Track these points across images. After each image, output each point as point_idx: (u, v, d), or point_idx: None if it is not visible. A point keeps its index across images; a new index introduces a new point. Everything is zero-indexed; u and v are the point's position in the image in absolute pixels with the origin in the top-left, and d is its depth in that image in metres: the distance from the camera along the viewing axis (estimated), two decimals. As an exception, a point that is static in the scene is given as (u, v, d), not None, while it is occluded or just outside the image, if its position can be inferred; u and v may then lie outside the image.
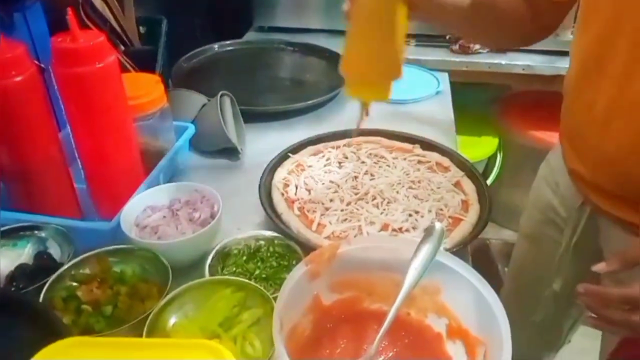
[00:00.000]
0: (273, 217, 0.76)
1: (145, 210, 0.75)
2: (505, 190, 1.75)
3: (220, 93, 0.99)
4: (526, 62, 1.46)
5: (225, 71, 1.31)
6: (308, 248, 0.67)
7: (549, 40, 0.78)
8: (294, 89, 1.25)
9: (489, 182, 1.65)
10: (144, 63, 1.08)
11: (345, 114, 1.16)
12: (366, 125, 0.79)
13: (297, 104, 1.12)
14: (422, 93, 1.22)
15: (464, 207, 0.79)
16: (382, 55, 0.64)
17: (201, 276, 0.65)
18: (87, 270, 0.64)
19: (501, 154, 1.74)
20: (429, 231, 0.54)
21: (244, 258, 0.70)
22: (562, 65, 1.43)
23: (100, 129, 0.71)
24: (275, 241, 0.73)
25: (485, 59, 1.48)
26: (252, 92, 1.20)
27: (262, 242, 0.73)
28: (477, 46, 1.49)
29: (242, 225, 0.80)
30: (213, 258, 0.69)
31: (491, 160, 1.73)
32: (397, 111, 1.17)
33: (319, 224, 0.76)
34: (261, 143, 1.03)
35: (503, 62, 1.47)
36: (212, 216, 0.73)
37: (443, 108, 1.20)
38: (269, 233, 0.74)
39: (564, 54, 1.43)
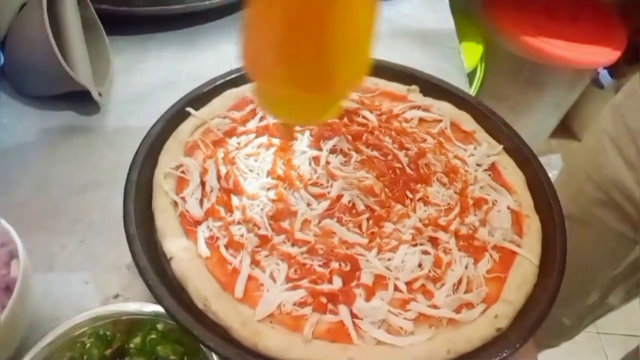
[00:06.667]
0: (148, 270, 0.35)
1: None
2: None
3: (52, -18, 0.52)
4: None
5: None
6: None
7: None
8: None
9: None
10: None
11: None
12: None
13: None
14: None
15: (517, 225, 0.44)
16: (338, 40, 0.28)
17: None
18: None
19: (483, 65, 1.36)
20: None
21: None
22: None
23: None
24: (159, 326, 0.36)
25: None
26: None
27: (126, 330, 0.35)
28: None
29: (99, 276, 0.41)
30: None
31: (470, 73, 1.36)
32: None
33: (248, 281, 0.37)
34: (141, 75, 0.59)
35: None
36: (7, 289, 0.33)
37: (437, 11, 0.78)
38: (149, 306, 0.36)
39: None
